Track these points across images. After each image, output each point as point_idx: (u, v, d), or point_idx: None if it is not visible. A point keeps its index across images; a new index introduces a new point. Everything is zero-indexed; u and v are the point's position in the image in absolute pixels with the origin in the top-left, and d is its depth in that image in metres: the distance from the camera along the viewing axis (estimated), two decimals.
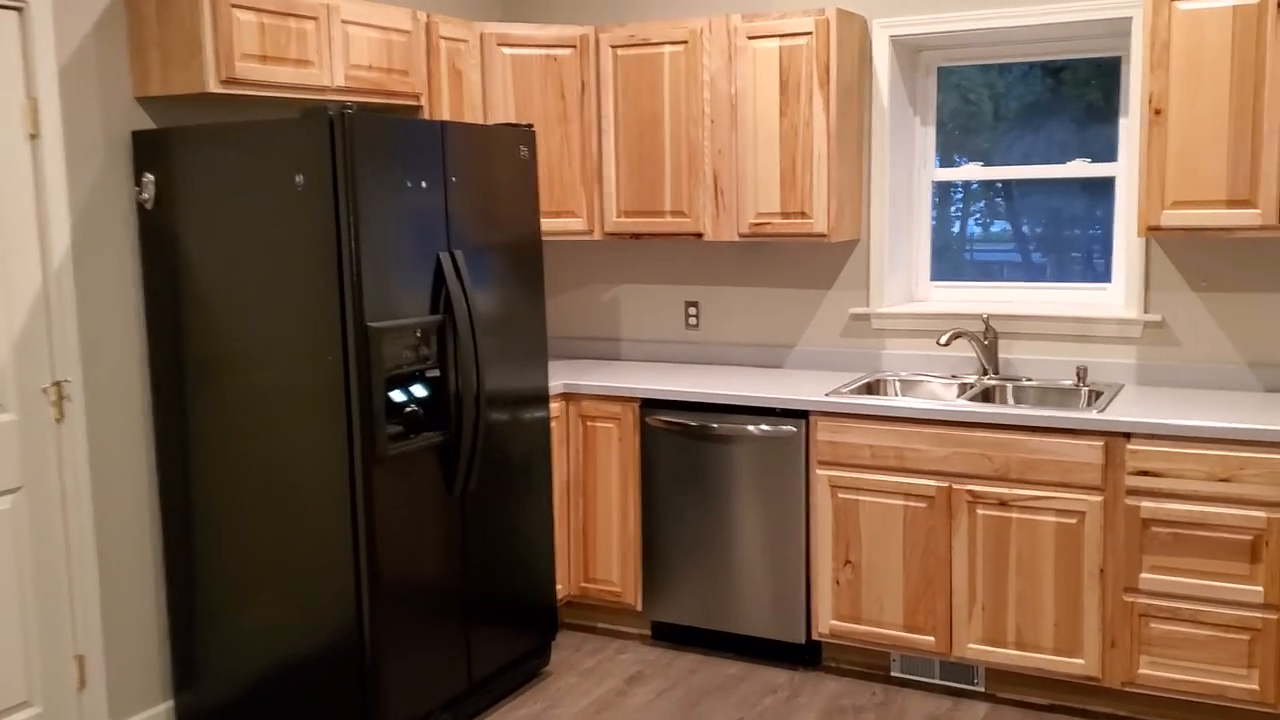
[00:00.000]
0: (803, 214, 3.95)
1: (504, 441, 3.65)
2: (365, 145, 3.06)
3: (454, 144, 3.39)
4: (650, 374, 4.27)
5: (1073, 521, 3.38)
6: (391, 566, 3.20)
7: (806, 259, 4.34)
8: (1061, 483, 3.38)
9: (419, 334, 3.24)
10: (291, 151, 3.08)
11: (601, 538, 4.15)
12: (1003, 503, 3.46)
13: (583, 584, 4.20)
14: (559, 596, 4.17)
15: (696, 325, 4.56)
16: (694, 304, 4.56)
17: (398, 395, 3.18)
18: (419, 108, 3.99)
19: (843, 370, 4.29)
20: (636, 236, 4.26)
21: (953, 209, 4.40)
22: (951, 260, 4.38)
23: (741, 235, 4.07)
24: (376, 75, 3.75)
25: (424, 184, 3.26)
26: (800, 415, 3.75)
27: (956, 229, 4.40)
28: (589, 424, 4.12)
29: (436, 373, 3.31)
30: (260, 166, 3.13)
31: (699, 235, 4.14)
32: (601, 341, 4.75)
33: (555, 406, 4.09)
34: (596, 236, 4.33)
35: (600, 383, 4.09)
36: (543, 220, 4.26)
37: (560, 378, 4.20)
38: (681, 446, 3.96)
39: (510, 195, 3.66)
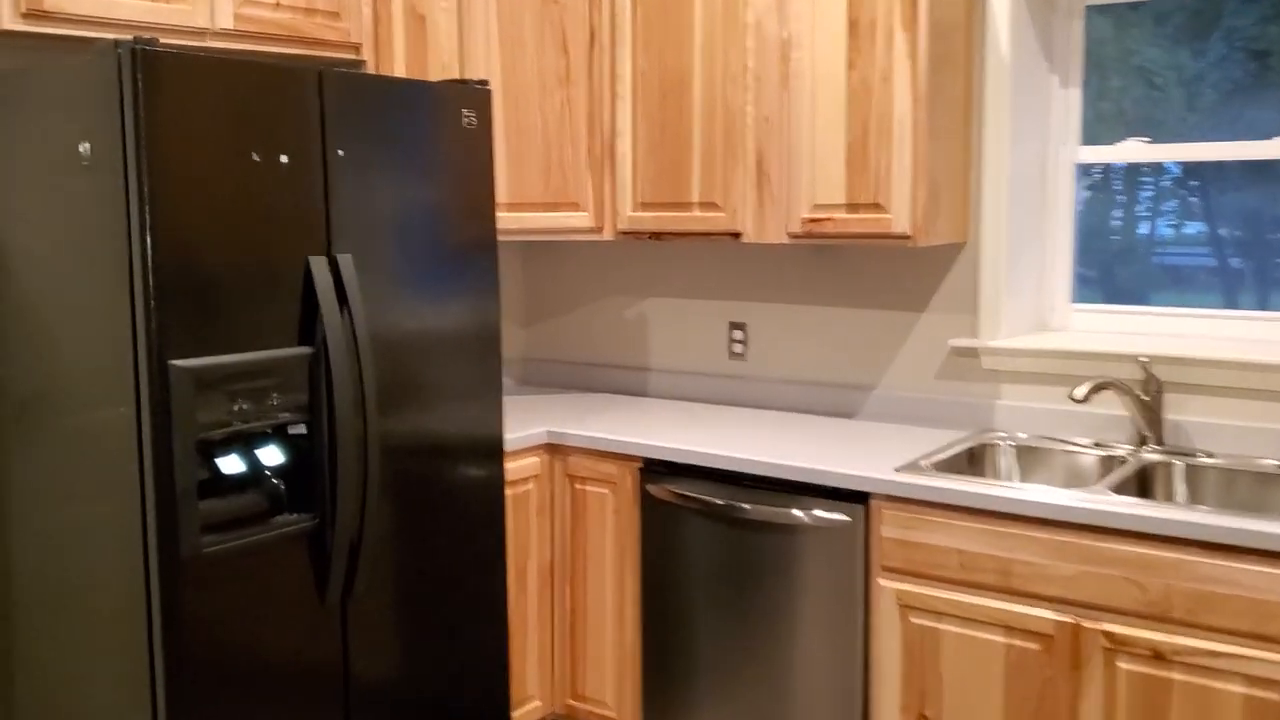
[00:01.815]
0: (876, 205, 2.77)
1: (430, 515, 2.61)
2: (178, 98, 2.06)
3: (342, 103, 2.36)
4: (669, 420, 3.16)
5: (1274, 696, 2.12)
6: (214, 715, 2.20)
7: (891, 269, 3.15)
8: (1258, 634, 2.12)
9: (269, 375, 2.23)
10: (75, 109, 2.11)
11: (593, 643, 3.07)
12: (1159, 654, 2.23)
13: (569, 700, 3.13)
14: (537, 716, 3.12)
15: (743, 355, 3.42)
16: (740, 326, 3.42)
17: (233, 464, 2.19)
18: (360, 63, 3.00)
19: (938, 425, 3.08)
20: (657, 236, 3.16)
21: (1115, 211, 3.13)
22: (1109, 276, 3.11)
23: (792, 235, 2.92)
24: (288, 16, 2.78)
25: (284, 158, 2.24)
26: (860, 498, 2.59)
27: (1118, 227, 3.13)
28: (578, 487, 3.05)
29: (303, 429, 2.30)
30: (44, 132, 2.18)
31: (736, 235, 3.01)
32: (623, 371, 3.66)
33: (533, 462, 3.03)
34: (607, 235, 3.25)
35: (592, 432, 3.01)
36: (536, 214, 3.21)
37: (546, 422, 3.13)
38: (697, 529, 2.84)
39: (447, 179, 2.61)
